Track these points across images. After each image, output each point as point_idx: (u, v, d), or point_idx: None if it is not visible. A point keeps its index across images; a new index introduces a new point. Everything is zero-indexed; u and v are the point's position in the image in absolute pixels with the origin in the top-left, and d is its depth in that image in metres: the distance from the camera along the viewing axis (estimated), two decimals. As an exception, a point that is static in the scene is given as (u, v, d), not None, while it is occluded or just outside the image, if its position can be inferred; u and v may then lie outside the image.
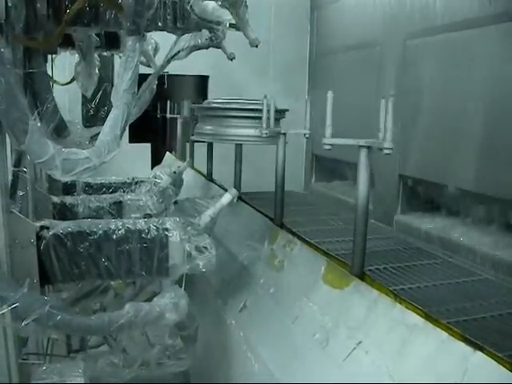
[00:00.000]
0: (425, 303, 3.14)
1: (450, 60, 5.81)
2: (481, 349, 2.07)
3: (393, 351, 2.40)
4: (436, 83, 6.01)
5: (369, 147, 2.91)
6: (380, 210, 6.81)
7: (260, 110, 4.05)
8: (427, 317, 2.42)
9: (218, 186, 5.82)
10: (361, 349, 2.55)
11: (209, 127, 4.97)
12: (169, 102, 8.31)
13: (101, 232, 2.62)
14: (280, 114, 4.83)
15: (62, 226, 2.60)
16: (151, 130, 8.86)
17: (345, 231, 4.14)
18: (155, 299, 2.73)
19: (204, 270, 2.76)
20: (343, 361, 2.58)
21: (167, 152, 8.60)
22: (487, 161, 5.39)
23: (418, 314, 2.46)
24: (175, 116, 7.99)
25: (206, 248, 2.76)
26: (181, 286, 2.85)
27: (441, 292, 3.37)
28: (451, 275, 3.72)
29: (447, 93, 5.84)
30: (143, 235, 2.68)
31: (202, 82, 9.36)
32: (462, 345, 2.14)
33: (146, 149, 9.16)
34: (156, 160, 8.84)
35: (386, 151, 2.81)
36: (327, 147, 3.00)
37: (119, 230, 2.65)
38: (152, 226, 2.70)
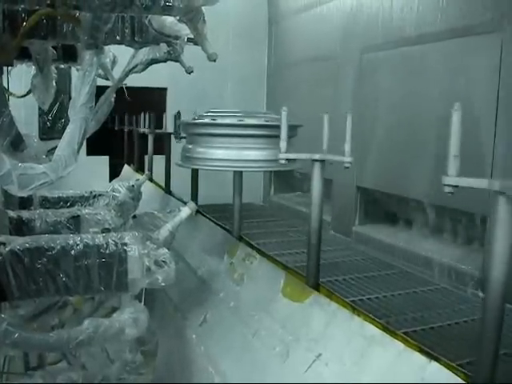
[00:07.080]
0: (383, 313, 3.19)
1: (405, 73, 5.93)
2: (436, 359, 2.12)
3: (352, 363, 2.43)
4: (392, 96, 6.12)
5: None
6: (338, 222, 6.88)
7: (272, 127, 3.46)
8: (384, 328, 2.45)
9: (177, 199, 5.70)
10: (321, 361, 2.58)
11: (201, 150, 3.83)
12: (129, 115, 8.26)
13: (59, 247, 2.60)
14: (292, 130, 3.70)
15: (19, 242, 2.56)
16: (109, 142, 8.77)
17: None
18: (115, 315, 2.73)
19: (163, 284, 2.75)
20: (304, 373, 2.59)
21: (125, 165, 8.54)
22: (443, 172, 5.49)
23: (375, 325, 2.49)
24: (139, 130, 7.92)
25: (165, 262, 2.75)
26: (140, 301, 2.84)
27: (399, 302, 3.45)
28: (409, 285, 3.81)
29: (403, 105, 5.97)
30: (102, 250, 2.66)
31: (160, 94, 9.32)
32: (418, 355, 2.18)
33: (103, 161, 9.06)
34: (114, 173, 8.78)
35: None
36: (448, 190, 2.04)
37: (77, 245, 2.63)
38: (110, 241, 2.69)
